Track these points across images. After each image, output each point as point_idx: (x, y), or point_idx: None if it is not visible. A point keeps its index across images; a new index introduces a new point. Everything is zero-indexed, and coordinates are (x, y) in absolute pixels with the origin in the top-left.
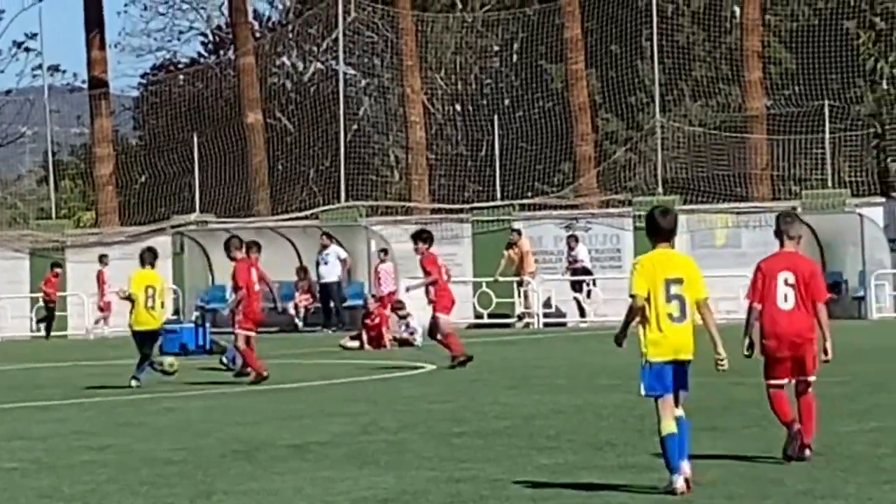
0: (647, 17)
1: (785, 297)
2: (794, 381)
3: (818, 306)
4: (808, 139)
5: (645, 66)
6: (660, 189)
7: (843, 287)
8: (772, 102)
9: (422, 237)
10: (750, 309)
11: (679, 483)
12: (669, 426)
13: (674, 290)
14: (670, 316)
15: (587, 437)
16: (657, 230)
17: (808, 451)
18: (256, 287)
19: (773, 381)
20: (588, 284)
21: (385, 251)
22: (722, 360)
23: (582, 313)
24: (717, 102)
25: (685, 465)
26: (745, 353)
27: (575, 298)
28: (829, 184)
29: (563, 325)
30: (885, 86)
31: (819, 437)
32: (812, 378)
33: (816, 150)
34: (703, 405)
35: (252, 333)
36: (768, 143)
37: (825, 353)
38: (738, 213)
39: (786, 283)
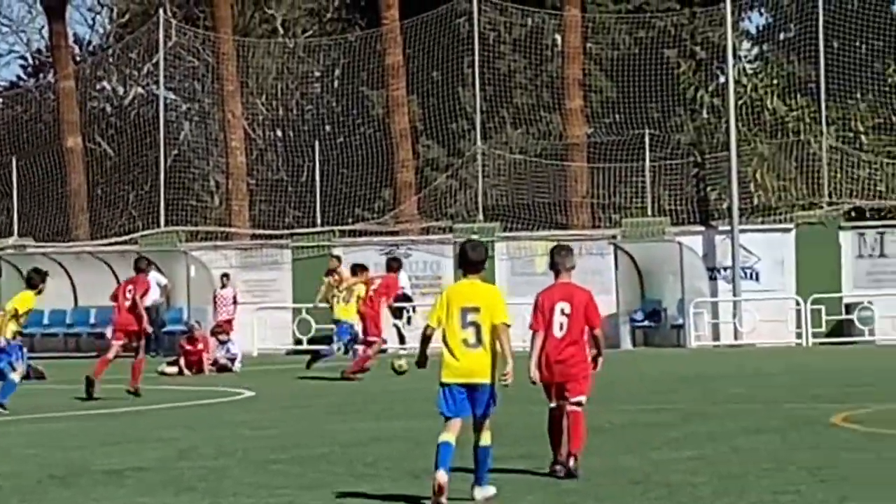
0: (469, 44)
1: (560, 326)
2: (565, 402)
3: (595, 332)
4: (628, 167)
5: (466, 92)
6: (480, 216)
7: (662, 315)
8: (592, 130)
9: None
10: (534, 337)
11: (442, 479)
12: (446, 437)
13: (470, 317)
14: (465, 342)
15: (406, 465)
16: (466, 262)
17: (572, 460)
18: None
19: (552, 405)
20: (408, 311)
21: (227, 276)
22: (505, 375)
23: (402, 340)
24: (538, 130)
25: (481, 491)
26: (531, 379)
27: (395, 325)
28: (649, 212)
29: (383, 351)
30: (704, 115)
31: (636, 465)
32: (582, 398)
33: (636, 178)
34: (516, 433)
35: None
36: (589, 170)
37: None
38: (557, 240)
39: (562, 312)
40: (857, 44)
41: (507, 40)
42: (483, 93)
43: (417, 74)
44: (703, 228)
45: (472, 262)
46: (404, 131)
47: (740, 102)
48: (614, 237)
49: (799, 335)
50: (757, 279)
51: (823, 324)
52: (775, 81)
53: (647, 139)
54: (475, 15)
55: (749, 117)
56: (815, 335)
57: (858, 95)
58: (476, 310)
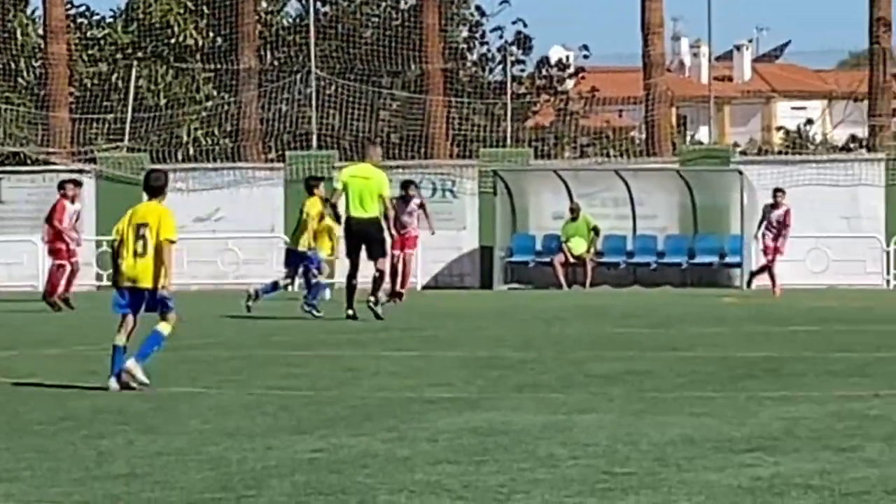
0: None
1: None
2: None
3: None
4: None
5: None
6: None
7: None
8: None
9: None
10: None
11: (113, 385)
12: (119, 339)
13: (141, 231)
14: (135, 252)
15: None
16: (146, 188)
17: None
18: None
19: None
20: None
21: None
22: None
23: None
24: None
25: (131, 365)
26: None
27: None
28: None
29: None
30: None
31: None
32: None
33: None
34: None
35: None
36: None
37: None
38: None
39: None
40: None
41: None
42: None
43: None
44: None
45: (150, 187)
46: None
47: None
48: None
49: None
50: None
51: None
52: None
53: None
54: None
55: None
56: None
57: None
58: (146, 225)
